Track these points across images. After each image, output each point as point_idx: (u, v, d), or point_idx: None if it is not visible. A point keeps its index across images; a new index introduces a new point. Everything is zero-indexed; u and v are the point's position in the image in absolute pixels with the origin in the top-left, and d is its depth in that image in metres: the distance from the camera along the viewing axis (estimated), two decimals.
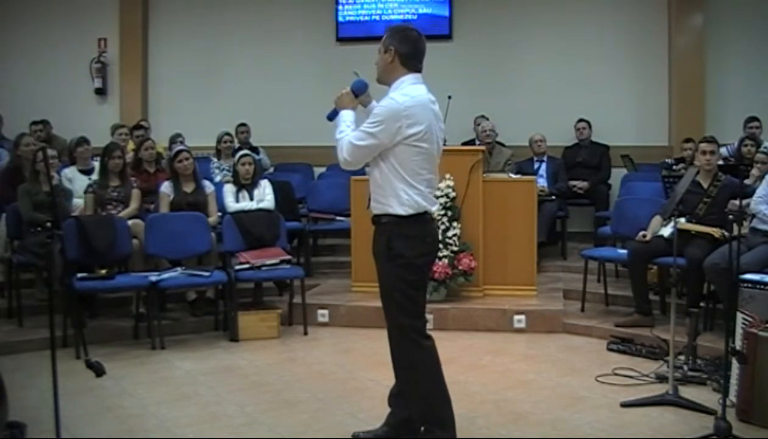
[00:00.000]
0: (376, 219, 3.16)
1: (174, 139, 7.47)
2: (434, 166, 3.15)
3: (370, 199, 3.17)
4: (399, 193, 3.04)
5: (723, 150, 6.27)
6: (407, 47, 3.10)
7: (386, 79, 3.14)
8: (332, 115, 3.22)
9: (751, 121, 7.01)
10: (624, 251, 5.58)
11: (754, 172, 5.43)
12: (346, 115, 3.17)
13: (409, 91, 3.06)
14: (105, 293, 5.60)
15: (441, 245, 5.50)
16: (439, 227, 5.45)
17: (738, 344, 3.70)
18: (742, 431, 3.43)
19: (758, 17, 7.80)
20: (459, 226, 5.72)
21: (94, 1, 8.89)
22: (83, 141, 6.60)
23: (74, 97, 8.83)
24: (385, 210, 3.09)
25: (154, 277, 5.18)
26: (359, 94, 3.22)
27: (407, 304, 3.10)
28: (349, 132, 3.08)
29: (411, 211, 3.05)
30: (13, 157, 6.59)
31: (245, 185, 5.99)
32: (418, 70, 3.14)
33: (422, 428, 3.16)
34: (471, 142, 7.45)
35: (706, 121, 7.73)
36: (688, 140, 7.02)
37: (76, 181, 6.31)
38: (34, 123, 7.77)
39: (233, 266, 5.48)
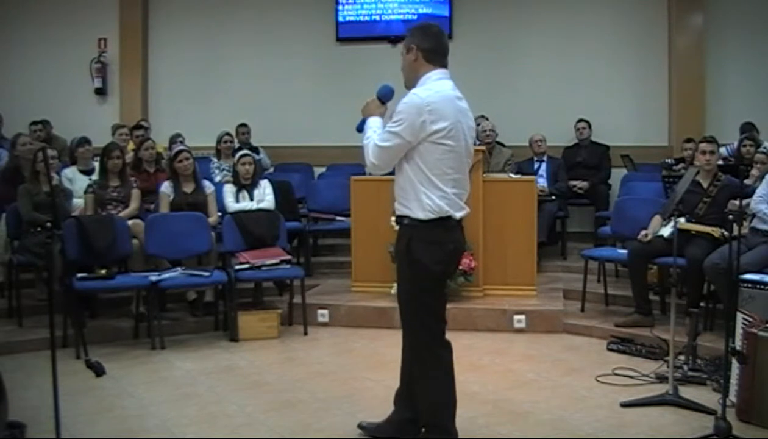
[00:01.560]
0: (399, 220, 3.08)
1: (174, 139, 7.46)
2: (463, 166, 3.03)
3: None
4: (421, 197, 2.94)
5: (723, 150, 6.27)
6: (429, 42, 3.01)
7: (413, 80, 3.04)
8: (361, 126, 3.15)
9: (750, 129, 6.97)
10: (624, 251, 5.58)
11: (754, 172, 5.43)
12: (373, 122, 3.10)
13: (432, 85, 2.97)
14: (105, 293, 5.61)
15: None
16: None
17: (738, 344, 3.70)
18: (742, 431, 3.42)
19: (758, 17, 7.79)
20: None
21: (94, 1, 8.88)
22: (84, 141, 6.60)
23: (74, 97, 8.82)
24: (405, 213, 3.01)
25: (154, 277, 5.18)
26: (386, 100, 3.17)
27: (422, 310, 3.04)
28: (375, 137, 3.01)
29: (432, 216, 2.95)
30: (11, 157, 6.59)
31: (245, 185, 6.00)
32: (444, 66, 3.04)
33: (423, 429, 3.17)
34: None
35: (706, 121, 7.73)
36: (688, 140, 7.01)
37: (76, 181, 6.31)
38: (34, 123, 7.77)
39: (233, 266, 5.48)
